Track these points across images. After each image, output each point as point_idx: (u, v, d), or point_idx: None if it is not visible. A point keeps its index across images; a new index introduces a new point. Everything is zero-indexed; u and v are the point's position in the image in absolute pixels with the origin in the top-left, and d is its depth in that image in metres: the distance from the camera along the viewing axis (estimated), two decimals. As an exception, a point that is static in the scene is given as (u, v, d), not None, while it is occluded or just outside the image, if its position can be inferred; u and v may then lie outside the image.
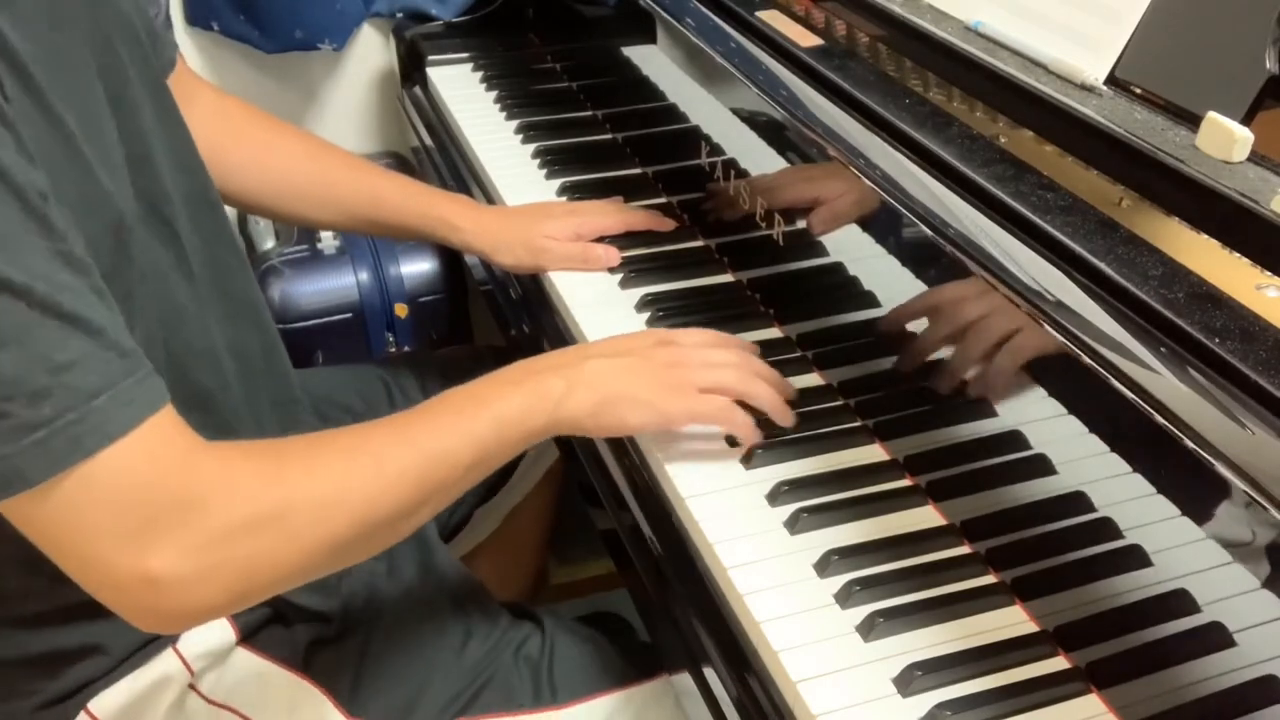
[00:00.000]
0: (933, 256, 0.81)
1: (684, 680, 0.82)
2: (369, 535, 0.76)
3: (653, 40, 1.22)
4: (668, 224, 1.17)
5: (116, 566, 0.67)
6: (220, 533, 0.69)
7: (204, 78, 1.71)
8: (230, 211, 1.67)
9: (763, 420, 0.89)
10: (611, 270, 1.12)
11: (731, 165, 1.09)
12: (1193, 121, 0.77)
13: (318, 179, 1.14)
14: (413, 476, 0.77)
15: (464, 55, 1.59)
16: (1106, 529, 0.71)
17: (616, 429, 0.87)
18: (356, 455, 0.76)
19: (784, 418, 0.89)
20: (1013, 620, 0.76)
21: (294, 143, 1.16)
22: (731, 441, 0.89)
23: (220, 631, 0.92)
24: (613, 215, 1.16)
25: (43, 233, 0.65)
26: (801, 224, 0.99)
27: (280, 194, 1.13)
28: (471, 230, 1.14)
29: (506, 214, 1.20)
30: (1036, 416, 0.76)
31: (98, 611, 0.85)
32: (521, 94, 1.47)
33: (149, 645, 0.89)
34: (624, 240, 1.15)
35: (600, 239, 1.14)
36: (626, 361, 0.87)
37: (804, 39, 1.01)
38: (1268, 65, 0.75)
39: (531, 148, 1.35)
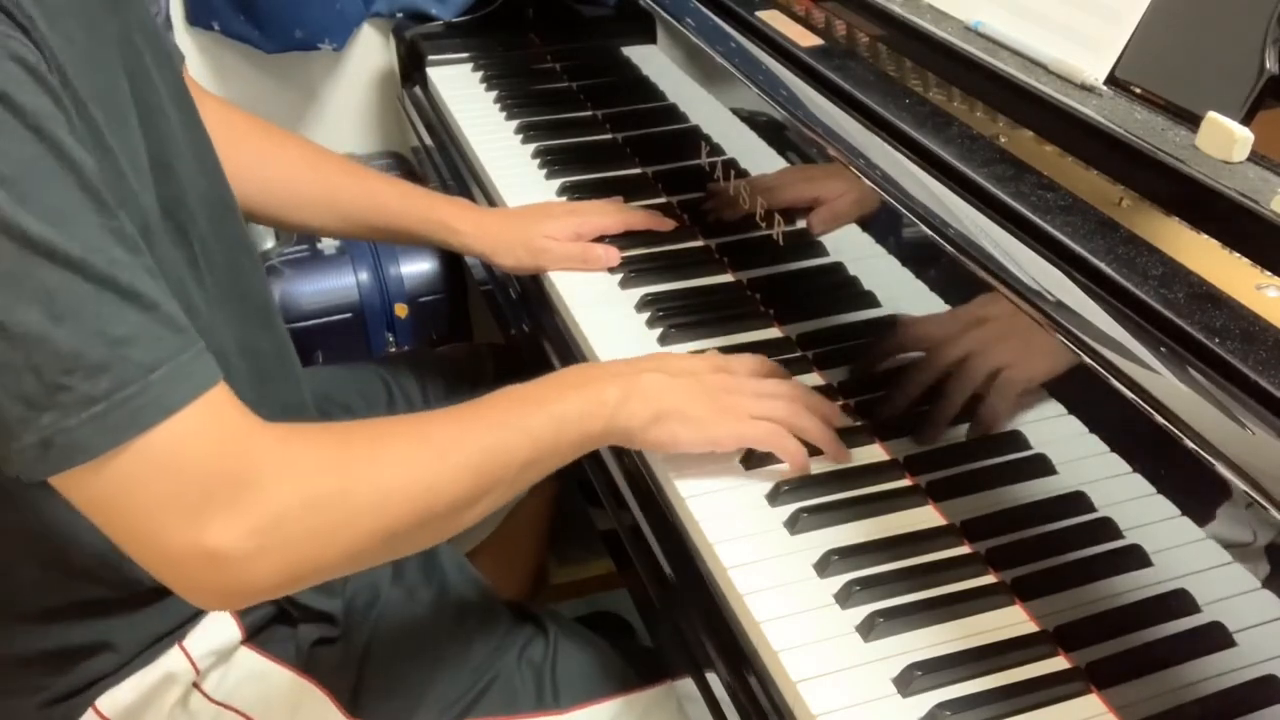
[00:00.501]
0: (933, 256, 0.81)
1: (686, 684, 0.82)
2: (426, 524, 0.77)
3: (653, 40, 1.22)
4: (667, 224, 1.17)
5: (173, 542, 0.68)
6: (278, 512, 0.69)
7: (205, 79, 1.72)
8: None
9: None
10: (611, 270, 1.12)
11: (731, 165, 1.09)
12: (1193, 121, 0.77)
13: (319, 186, 1.15)
14: (472, 468, 0.77)
15: (464, 55, 1.59)
16: (1106, 529, 0.71)
17: (668, 445, 0.87)
18: (418, 444, 0.77)
19: (837, 454, 0.88)
20: (1013, 620, 0.76)
21: (294, 151, 1.16)
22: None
23: (226, 630, 0.92)
24: (612, 215, 1.17)
25: (98, 210, 0.66)
26: (801, 224, 0.99)
27: (282, 202, 1.14)
28: (471, 233, 1.14)
29: (506, 215, 1.20)
30: (1036, 416, 0.76)
31: (110, 609, 0.85)
32: (521, 94, 1.47)
33: (157, 643, 0.90)
34: (624, 240, 1.15)
35: (600, 239, 1.15)
36: (682, 381, 0.87)
37: (804, 39, 1.01)
38: (1268, 65, 0.75)
39: (531, 148, 1.35)
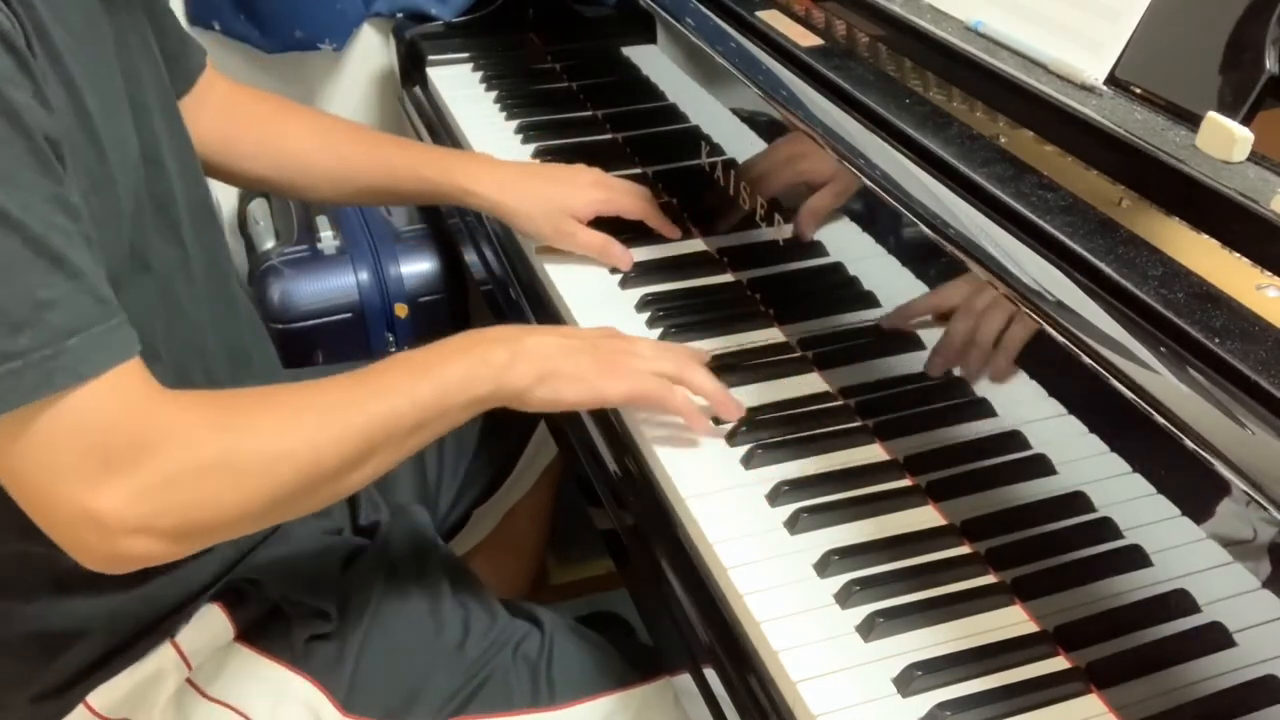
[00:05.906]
0: (933, 256, 0.81)
1: (684, 681, 0.82)
2: (313, 487, 0.78)
3: (653, 40, 1.22)
4: (675, 231, 1.17)
5: (69, 503, 0.69)
6: (166, 477, 0.71)
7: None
8: (226, 212, 1.68)
9: (761, 422, 0.89)
10: (611, 270, 1.12)
11: (731, 165, 1.09)
12: (1193, 121, 0.77)
13: (330, 157, 1.15)
14: (355, 434, 0.78)
15: (464, 55, 1.59)
16: (1106, 529, 0.71)
17: (553, 404, 0.88)
18: (302, 411, 0.78)
19: (727, 407, 0.90)
20: (1013, 620, 0.76)
21: (302, 123, 1.16)
22: (719, 420, 0.90)
23: (217, 626, 0.92)
24: (638, 200, 1.16)
25: (44, 173, 0.67)
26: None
27: (294, 176, 1.14)
28: (487, 196, 1.13)
29: (531, 178, 1.17)
30: (1036, 416, 0.76)
31: (86, 586, 0.85)
32: (521, 94, 1.48)
33: (143, 640, 0.90)
34: (624, 241, 1.15)
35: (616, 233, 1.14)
36: (571, 342, 0.89)
37: (804, 39, 1.01)
38: (1268, 65, 0.75)
39: (532, 148, 1.35)
